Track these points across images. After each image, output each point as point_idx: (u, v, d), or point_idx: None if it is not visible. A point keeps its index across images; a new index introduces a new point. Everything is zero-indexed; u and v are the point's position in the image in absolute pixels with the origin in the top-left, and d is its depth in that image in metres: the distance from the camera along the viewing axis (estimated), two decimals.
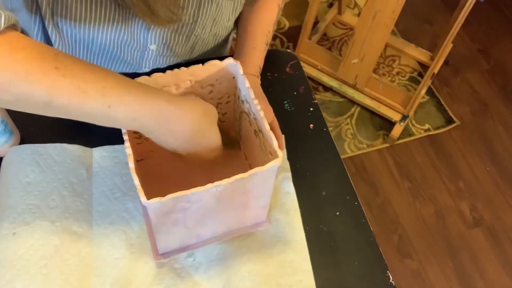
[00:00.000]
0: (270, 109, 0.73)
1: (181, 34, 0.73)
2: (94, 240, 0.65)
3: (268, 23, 0.79)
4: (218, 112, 0.69)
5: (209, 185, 0.52)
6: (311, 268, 0.67)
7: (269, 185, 0.60)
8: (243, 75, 0.61)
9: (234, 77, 0.64)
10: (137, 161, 0.72)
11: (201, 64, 0.61)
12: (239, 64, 0.61)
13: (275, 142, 0.56)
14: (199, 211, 0.57)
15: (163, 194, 0.51)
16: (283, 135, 0.76)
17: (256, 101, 0.59)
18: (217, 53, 0.89)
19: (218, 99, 0.67)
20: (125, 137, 0.56)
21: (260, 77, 0.78)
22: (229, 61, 0.61)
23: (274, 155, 0.56)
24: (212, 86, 0.64)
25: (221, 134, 0.61)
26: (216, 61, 0.61)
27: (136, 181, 0.51)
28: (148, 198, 0.50)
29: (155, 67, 0.81)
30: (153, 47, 0.74)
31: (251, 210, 0.63)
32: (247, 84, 0.60)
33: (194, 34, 0.75)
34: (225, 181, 0.53)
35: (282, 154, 0.55)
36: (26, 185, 0.66)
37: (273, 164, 0.54)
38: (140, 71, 0.80)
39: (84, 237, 0.65)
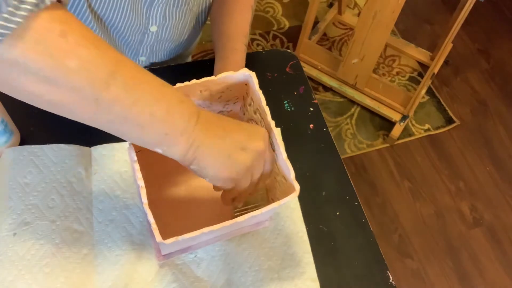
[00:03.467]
0: None
1: (179, 8, 0.76)
2: (95, 238, 0.66)
3: (244, 24, 0.80)
4: (224, 111, 0.69)
5: (226, 223, 0.52)
6: (312, 260, 0.68)
7: (277, 208, 0.60)
8: (258, 90, 0.59)
9: (246, 84, 0.64)
10: (136, 152, 0.72)
11: (214, 77, 0.59)
12: (254, 76, 0.60)
13: (293, 173, 0.56)
14: (210, 233, 0.58)
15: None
16: (278, 128, 0.78)
17: (273, 124, 0.58)
18: (196, 37, 0.92)
19: (226, 101, 0.67)
20: (136, 167, 0.54)
21: None
22: (244, 72, 0.60)
23: (289, 187, 0.56)
24: (222, 93, 0.64)
25: None
26: (230, 73, 0.60)
27: (151, 219, 0.51)
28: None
29: (151, 56, 0.84)
30: (153, 28, 0.77)
31: (255, 218, 0.64)
32: (264, 103, 0.59)
33: (189, 8, 0.77)
34: (240, 219, 0.53)
35: (299, 188, 0.55)
36: (25, 186, 0.66)
37: (290, 199, 0.54)
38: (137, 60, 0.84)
39: (85, 235, 0.65)
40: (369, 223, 0.73)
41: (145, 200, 0.52)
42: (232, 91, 0.64)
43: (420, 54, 2.00)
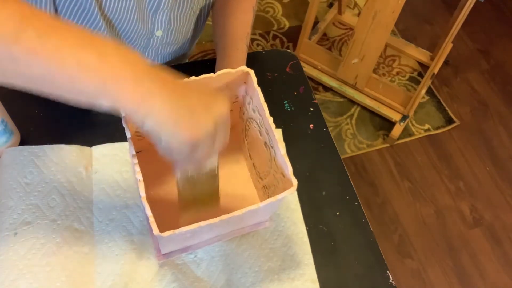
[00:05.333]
0: None
1: (183, 13, 0.76)
2: (95, 237, 0.66)
3: (245, 25, 0.81)
4: None
5: (223, 217, 0.52)
6: (312, 261, 0.68)
7: (275, 203, 0.60)
8: (257, 86, 0.60)
9: (245, 82, 0.64)
10: (136, 153, 0.73)
11: (212, 74, 0.60)
12: (253, 73, 0.61)
13: (290, 169, 0.56)
14: (208, 230, 0.58)
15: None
16: (279, 129, 0.78)
17: (271, 120, 0.58)
18: (198, 36, 0.92)
19: None
20: (135, 160, 0.54)
21: None
22: (242, 69, 0.61)
23: (287, 183, 0.56)
24: (222, 91, 0.64)
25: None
26: (228, 70, 0.60)
27: (148, 212, 0.51)
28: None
29: (156, 59, 0.84)
30: (159, 33, 0.77)
31: (255, 215, 0.64)
32: (262, 99, 0.59)
33: (193, 11, 0.77)
34: (237, 213, 0.53)
35: (296, 182, 0.55)
36: (25, 186, 0.66)
37: (288, 193, 0.54)
38: None
39: (86, 234, 0.65)
40: (369, 223, 0.73)
41: (143, 193, 0.52)
42: (231, 90, 0.64)
43: (420, 54, 2.00)
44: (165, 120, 0.44)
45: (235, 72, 0.61)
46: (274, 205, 0.57)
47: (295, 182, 0.55)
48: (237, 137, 0.74)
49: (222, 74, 0.60)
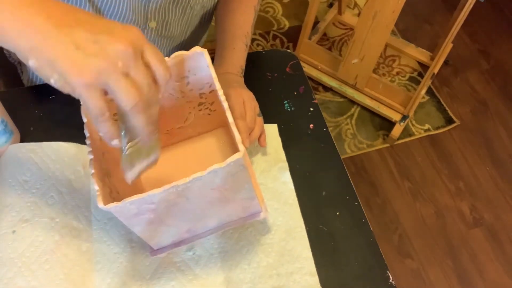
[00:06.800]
0: (251, 106, 0.71)
1: (178, 5, 0.75)
2: (94, 236, 0.66)
3: (245, 25, 0.80)
4: (205, 102, 0.68)
5: (165, 186, 0.50)
6: (311, 255, 0.68)
7: (243, 178, 0.56)
8: (209, 65, 0.59)
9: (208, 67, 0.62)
10: None
11: (166, 57, 0.58)
12: (206, 52, 0.59)
13: (238, 135, 0.53)
14: (173, 210, 0.56)
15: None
16: (275, 124, 0.77)
17: (221, 92, 0.57)
18: (201, 35, 0.90)
19: (199, 89, 0.66)
20: (88, 141, 0.54)
21: (243, 77, 0.78)
22: (195, 50, 0.59)
23: (236, 149, 0.53)
24: (187, 78, 0.63)
25: None
26: (182, 52, 0.59)
27: (96, 186, 0.50)
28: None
29: None
30: (152, 24, 0.76)
31: (236, 203, 0.62)
32: (214, 74, 0.58)
33: (190, 5, 0.76)
34: (182, 181, 0.50)
35: (243, 148, 0.52)
36: (24, 183, 0.66)
37: (232, 160, 0.51)
38: None
39: (84, 232, 0.65)
40: (369, 223, 0.72)
41: (92, 170, 0.51)
42: (197, 76, 0.63)
43: (420, 54, 2.00)
44: (49, 57, 0.38)
45: (188, 52, 0.59)
46: (222, 172, 0.52)
47: (241, 148, 0.52)
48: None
49: (174, 57, 0.58)
